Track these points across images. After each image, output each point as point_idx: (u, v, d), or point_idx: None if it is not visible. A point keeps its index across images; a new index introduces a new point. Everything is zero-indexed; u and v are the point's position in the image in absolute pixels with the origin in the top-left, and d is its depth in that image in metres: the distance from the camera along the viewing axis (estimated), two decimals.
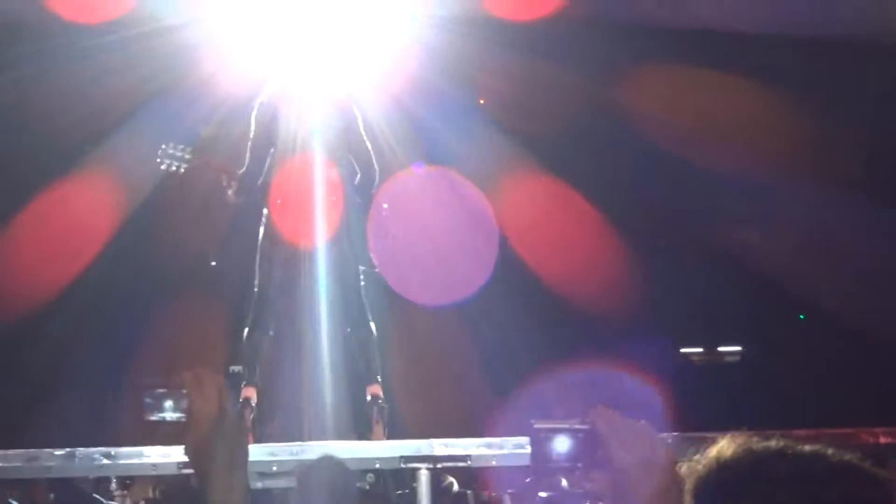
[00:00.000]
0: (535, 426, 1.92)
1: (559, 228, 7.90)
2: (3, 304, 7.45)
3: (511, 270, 7.67)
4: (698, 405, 7.19)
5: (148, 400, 2.20)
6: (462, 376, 7.93)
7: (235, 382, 5.78)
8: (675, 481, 1.69)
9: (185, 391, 2.11)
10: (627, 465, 1.82)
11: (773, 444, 1.48)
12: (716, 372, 10.73)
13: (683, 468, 1.61)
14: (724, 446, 1.50)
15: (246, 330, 5.95)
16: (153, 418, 2.20)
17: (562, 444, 1.90)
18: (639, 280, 8.15)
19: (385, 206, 6.19)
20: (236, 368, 5.87)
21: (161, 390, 2.17)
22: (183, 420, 2.10)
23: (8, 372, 7.82)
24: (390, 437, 5.69)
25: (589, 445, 1.88)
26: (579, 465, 1.90)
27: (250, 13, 6.49)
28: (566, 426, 1.91)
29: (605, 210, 7.91)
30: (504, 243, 7.57)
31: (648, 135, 7.91)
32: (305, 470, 4.16)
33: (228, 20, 6.63)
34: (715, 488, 1.48)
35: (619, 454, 1.83)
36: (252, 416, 5.78)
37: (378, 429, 5.72)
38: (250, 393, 5.83)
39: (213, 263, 8.26)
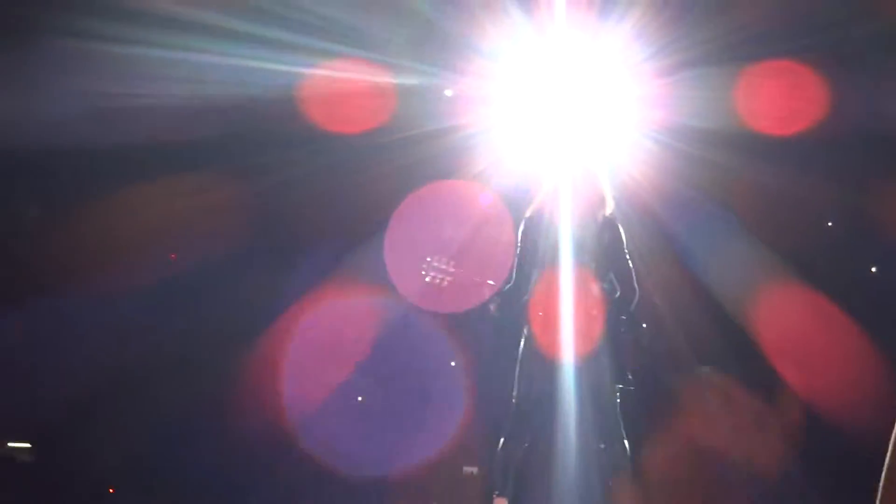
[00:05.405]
0: None
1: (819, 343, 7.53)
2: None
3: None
4: None
5: None
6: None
7: (488, 492, 5.93)
8: None
9: None
10: None
11: None
12: None
13: None
14: None
15: (501, 440, 6.06)
16: None
17: None
18: None
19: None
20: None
21: None
22: None
23: None
24: None
25: None
26: None
27: (518, 123, 6.65)
28: None
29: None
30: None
31: None
32: None
33: (495, 127, 6.78)
34: None
35: None
36: None
37: None
38: (501, 503, 5.95)
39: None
